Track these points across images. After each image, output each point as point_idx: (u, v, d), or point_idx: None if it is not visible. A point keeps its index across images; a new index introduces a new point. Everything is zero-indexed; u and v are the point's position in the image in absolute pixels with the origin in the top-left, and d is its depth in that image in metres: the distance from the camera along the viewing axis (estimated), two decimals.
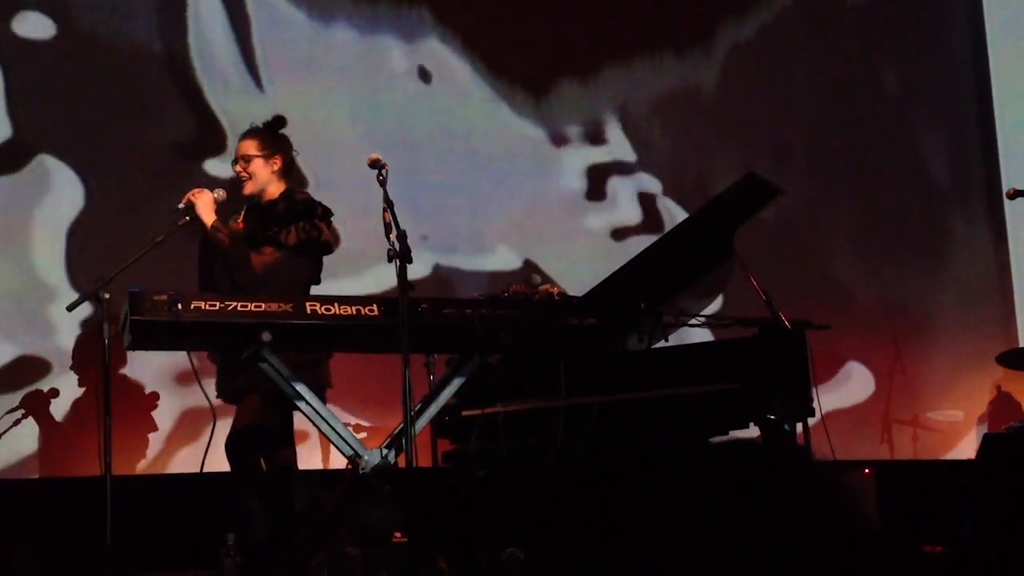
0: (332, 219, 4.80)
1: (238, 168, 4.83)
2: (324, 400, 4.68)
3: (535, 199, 7.67)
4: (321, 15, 7.24)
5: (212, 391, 4.64)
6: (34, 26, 6.58)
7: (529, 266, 7.31)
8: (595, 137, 7.87)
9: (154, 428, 6.51)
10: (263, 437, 4.63)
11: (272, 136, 4.85)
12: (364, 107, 7.25)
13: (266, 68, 7.03)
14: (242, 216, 4.88)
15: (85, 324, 6.28)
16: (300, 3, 7.20)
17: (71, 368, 6.34)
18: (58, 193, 6.50)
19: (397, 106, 7.35)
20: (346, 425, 4.40)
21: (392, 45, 7.40)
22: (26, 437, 6.28)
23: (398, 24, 7.44)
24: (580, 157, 7.84)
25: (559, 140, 7.78)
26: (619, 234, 7.80)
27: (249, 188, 4.83)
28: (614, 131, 7.92)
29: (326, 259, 4.83)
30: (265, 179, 4.82)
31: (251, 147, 4.82)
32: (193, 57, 6.88)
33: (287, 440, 4.75)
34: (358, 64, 7.31)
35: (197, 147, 6.69)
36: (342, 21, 7.28)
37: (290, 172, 4.91)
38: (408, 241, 4.18)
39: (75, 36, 6.65)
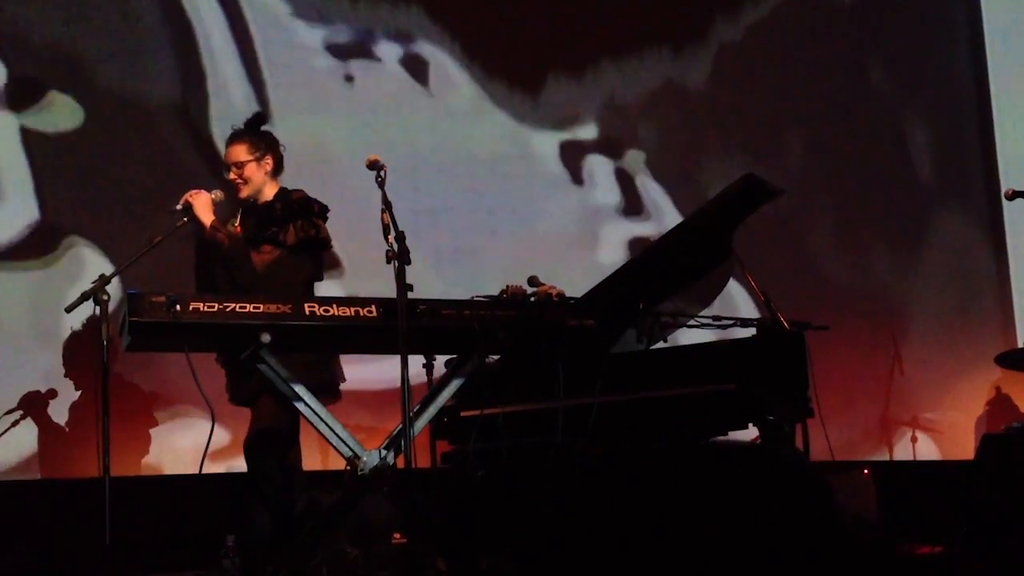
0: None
1: (232, 175, 4.83)
2: (338, 395, 4.70)
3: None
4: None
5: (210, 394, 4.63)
6: (58, 111, 6.63)
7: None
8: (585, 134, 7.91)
9: (152, 427, 6.52)
10: (279, 440, 4.64)
11: (259, 136, 4.85)
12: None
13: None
14: (239, 219, 4.88)
15: (85, 327, 6.29)
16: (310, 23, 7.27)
17: (69, 369, 6.35)
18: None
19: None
20: (344, 426, 4.40)
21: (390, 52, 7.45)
22: (25, 438, 6.28)
23: (392, 25, 7.48)
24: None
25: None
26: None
27: (245, 192, 4.83)
28: (602, 128, 7.94)
29: None
30: (260, 181, 4.83)
31: (241, 152, 4.81)
32: (215, 133, 6.87)
33: (295, 440, 4.76)
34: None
35: None
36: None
37: (282, 169, 4.92)
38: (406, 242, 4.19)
39: (100, 119, 6.68)
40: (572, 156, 7.87)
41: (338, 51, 7.34)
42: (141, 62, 6.83)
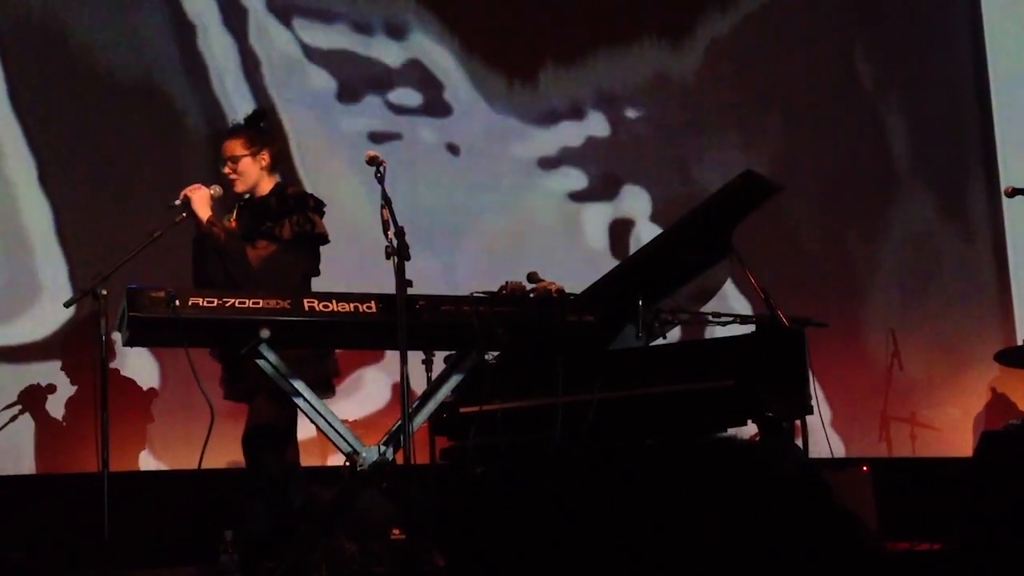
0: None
1: (227, 169, 4.82)
2: (333, 390, 4.69)
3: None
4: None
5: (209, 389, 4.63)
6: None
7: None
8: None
9: (151, 422, 6.52)
10: (276, 436, 4.63)
11: (257, 132, 4.85)
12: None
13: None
14: (235, 214, 4.88)
15: (84, 320, 6.29)
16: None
17: (67, 364, 6.34)
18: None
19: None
20: (344, 421, 4.40)
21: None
22: (23, 433, 6.28)
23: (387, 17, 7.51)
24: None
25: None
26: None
27: (240, 187, 4.83)
28: (595, 119, 7.95)
29: None
30: (255, 176, 4.82)
31: (237, 146, 4.81)
32: None
33: (292, 437, 4.76)
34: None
35: None
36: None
37: (279, 165, 4.92)
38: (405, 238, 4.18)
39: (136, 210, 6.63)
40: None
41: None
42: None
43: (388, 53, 7.51)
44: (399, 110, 7.49)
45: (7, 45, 6.63)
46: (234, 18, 7.14)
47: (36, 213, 6.58)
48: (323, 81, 7.31)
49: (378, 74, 7.47)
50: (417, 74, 7.57)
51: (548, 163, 7.88)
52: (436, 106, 7.60)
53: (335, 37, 7.38)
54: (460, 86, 7.68)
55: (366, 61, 7.45)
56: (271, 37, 7.23)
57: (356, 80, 7.39)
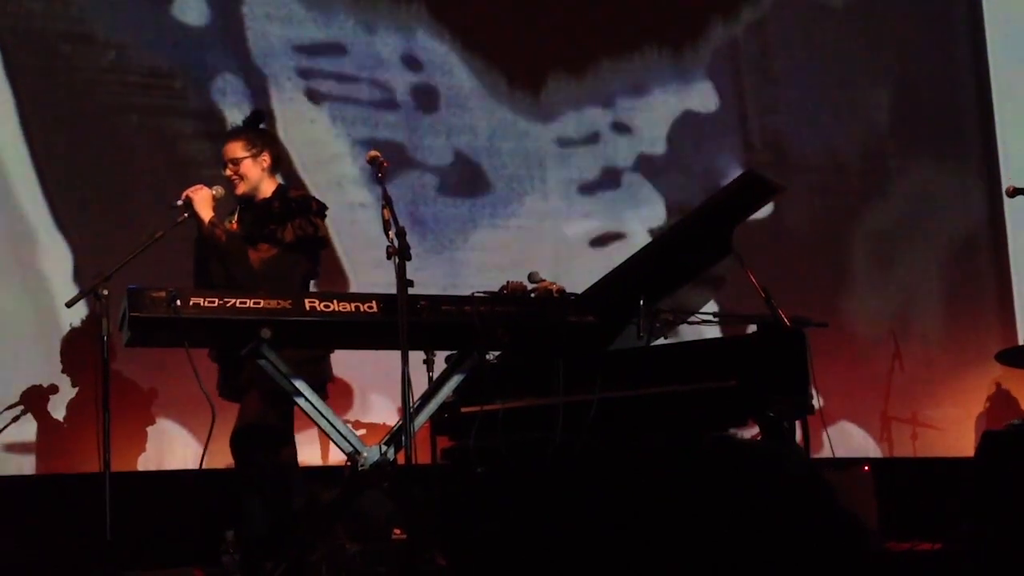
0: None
1: (228, 172, 4.83)
2: (326, 395, 4.70)
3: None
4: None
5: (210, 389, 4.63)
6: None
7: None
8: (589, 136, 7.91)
9: (152, 423, 6.52)
10: (266, 435, 4.63)
11: (256, 133, 4.86)
12: None
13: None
14: (236, 216, 4.88)
15: (84, 323, 6.29)
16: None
17: (68, 365, 6.35)
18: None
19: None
20: (345, 422, 4.40)
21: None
22: (25, 433, 6.28)
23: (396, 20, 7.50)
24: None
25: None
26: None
27: (242, 189, 4.83)
28: (604, 124, 7.95)
29: None
30: (256, 178, 4.83)
31: (237, 148, 4.82)
32: None
33: (288, 437, 4.76)
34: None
35: None
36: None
37: (280, 166, 4.92)
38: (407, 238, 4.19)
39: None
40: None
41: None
42: None
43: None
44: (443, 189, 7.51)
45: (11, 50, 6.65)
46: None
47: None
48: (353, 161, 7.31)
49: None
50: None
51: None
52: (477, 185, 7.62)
53: (365, 120, 7.37)
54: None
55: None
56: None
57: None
